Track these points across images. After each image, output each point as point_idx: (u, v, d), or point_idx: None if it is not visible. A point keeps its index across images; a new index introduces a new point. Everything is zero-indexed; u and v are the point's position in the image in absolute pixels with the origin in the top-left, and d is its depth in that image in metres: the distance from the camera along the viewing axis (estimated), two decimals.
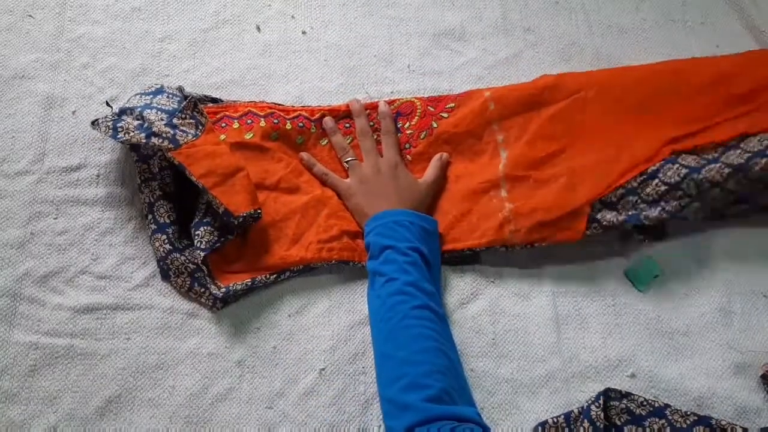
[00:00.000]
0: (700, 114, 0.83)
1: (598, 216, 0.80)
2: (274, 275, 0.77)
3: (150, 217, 0.77)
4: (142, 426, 0.70)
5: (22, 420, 0.69)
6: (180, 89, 0.83)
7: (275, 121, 0.85)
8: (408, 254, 0.73)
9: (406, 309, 0.69)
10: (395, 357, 0.67)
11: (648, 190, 0.80)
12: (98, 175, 0.82)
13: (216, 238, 0.74)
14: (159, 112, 0.77)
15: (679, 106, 0.84)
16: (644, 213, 0.79)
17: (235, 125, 0.83)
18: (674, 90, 0.85)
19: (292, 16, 0.96)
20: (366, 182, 0.83)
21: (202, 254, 0.73)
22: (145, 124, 0.75)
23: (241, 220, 0.74)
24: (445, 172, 0.86)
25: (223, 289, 0.74)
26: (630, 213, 0.80)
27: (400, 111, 0.88)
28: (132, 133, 0.74)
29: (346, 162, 0.85)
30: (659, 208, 0.79)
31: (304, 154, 0.85)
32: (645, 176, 0.80)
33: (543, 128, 0.85)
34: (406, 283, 0.71)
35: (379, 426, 0.71)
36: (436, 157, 0.85)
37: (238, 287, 0.75)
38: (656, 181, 0.79)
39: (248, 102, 0.87)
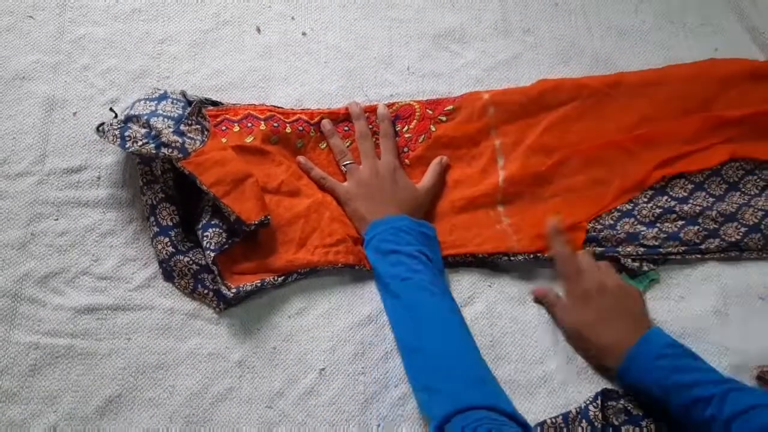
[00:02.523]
0: (690, 136, 0.87)
1: (594, 234, 0.82)
2: (282, 277, 0.77)
3: (152, 219, 0.77)
4: (142, 426, 0.70)
5: (22, 419, 0.69)
6: (183, 93, 0.83)
7: (275, 124, 0.85)
8: (415, 256, 0.73)
9: (429, 302, 0.70)
10: (428, 349, 0.68)
11: (644, 212, 0.84)
12: (99, 177, 0.82)
13: (224, 240, 0.75)
14: (165, 120, 0.77)
15: (672, 124, 0.88)
16: (642, 233, 0.81)
17: (236, 128, 0.83)
18: (668, 107, 0.89)
19: (292, 18, 0.96)
20: (364, 186, 0.82)
21: (212, 254, 0.73)
22: (153, 133, 0.76)
23: (252, 227, 0.74)
24: (444, 176, 0.86)
25: (234, 290, 0.74)
26: (629, 231, 0.82)
27: (399, 114, 0.89)
28: (141, 143, 0.75)
29: (344, 165, 0.85)
30: (656, 228, 0.82)
31: (301, 158, 0.85)
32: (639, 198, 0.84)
33: (540, 138, 0.86)
34: (423, 280, 0.72)
35: (379, 425, 0.72)
36: (436, 161, 0.85)
37: (248, 288, 0.75)
38: (651, 204, 0.84)
39: (248, 105, 0.87)
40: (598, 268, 0.78)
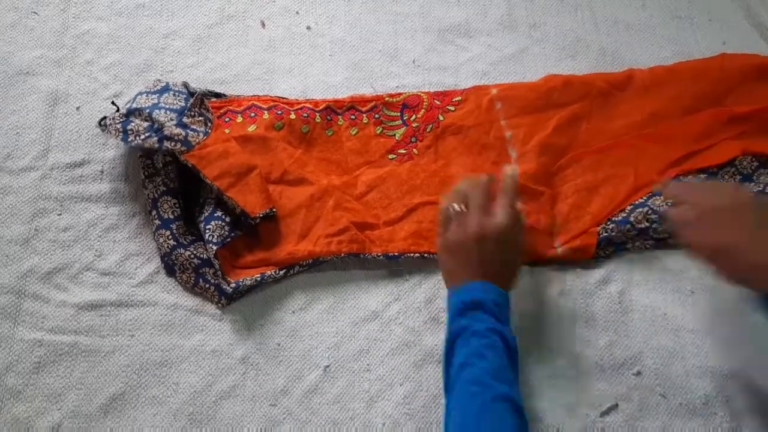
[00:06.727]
0: (700, 132, 0.86)
1: (606, 235, 0.81)
2: (283, 270, 0.77)
3: (154, 212, 0.77)
4: (146, 423, 0.70)
5: (26, 417, 0.69)
6: (185, 85, 0.83)
7: (279, 112, 0.84)
8: (486, 336, 0.65)
9: (485, 400, 0.63)
10: None
11: (657, 202, 0.82)
12: (102, 171, 0.82)
13: (227, 233, 0.74)
14: (168, 112, 0.77)
15: (682, 122, 0.87)
16: (654, 226, 0.81)
17: (239, 119, 0.83)
18: (677, 104, 0.88)
19: (297, 12, 0.96)
20: (458, 242, 0.70)
21: (215, 248, 0.73)
22: (155, 126, 0.76)
23: (258, 220, 0.74)
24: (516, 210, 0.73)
25: (233, 285, 0.74)
26: (642, 226, 0.81)
27: (407, 103, 0.88)
28: (143, 136, 0.75)
29: (452, 207, 0.71)
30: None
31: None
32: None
33: (550, 138, 0.85)
34: (483, 371, 0.63)
35: (383, 423, 0.71)
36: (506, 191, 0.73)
37: (248, 282, 0.75)
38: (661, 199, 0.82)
39: (251, 96, 0.87)
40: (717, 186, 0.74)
